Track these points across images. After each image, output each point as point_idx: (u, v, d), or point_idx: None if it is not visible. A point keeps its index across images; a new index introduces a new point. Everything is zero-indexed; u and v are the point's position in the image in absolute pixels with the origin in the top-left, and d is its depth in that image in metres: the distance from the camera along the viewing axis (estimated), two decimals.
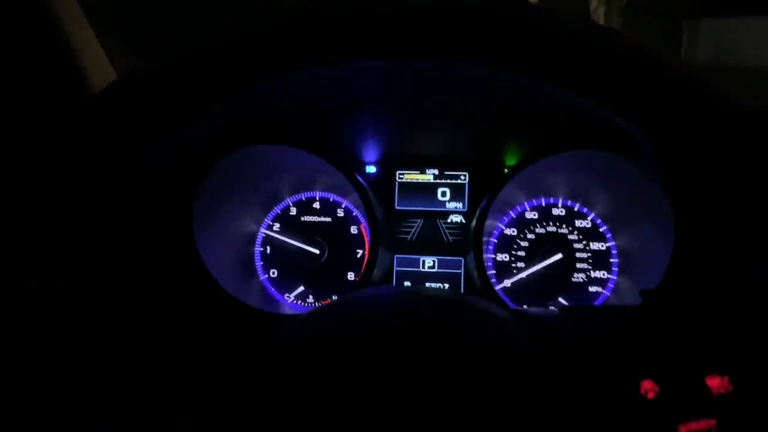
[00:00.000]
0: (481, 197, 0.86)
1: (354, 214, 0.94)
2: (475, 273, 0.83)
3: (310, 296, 0.94)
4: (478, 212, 0.84)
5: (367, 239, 0.93)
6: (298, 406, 0.32)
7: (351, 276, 0.93)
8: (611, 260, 0.89)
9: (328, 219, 0.95)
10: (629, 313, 0.40)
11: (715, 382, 0.33)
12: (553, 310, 0.40)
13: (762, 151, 0.35)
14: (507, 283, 0.90)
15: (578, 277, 0.89)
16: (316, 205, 0.95)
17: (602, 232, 0.90)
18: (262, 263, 0.95)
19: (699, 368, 0.34)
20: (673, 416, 0.33)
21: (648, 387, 0.33)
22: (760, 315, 0.36)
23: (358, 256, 0.93)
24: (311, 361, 0.34)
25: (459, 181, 0.92)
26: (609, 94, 0.36)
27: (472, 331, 0.35)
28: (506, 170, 0.82)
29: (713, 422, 0.32)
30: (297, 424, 0.31)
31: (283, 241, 0.94)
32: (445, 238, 0.92)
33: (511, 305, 0.88)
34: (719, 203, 0.38)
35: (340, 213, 0.95)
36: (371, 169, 0.93)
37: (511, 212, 0.92)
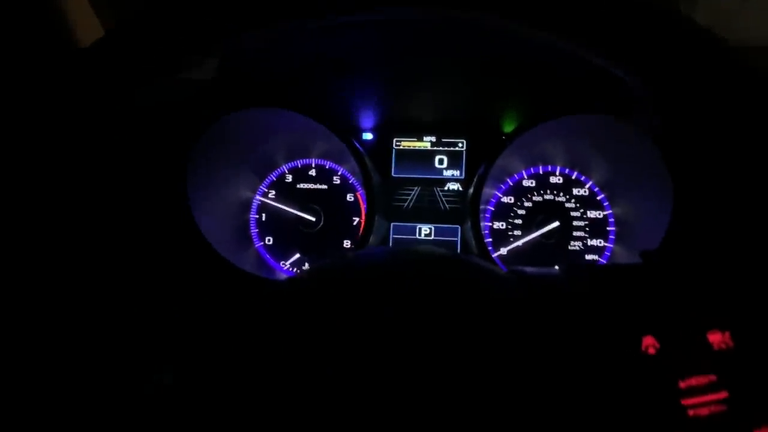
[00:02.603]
0: (479, 165, 0.85)
1: (350, 181, 0.94)
2: (472, 241, 0.82)
3: (306, 264, 0.93)
4: (475, 179, 0.83)
5: (363, 207, 0.92)
6: (293, 357, 0.31)
7: (347, 243, 0.93)
8: (608, 228, 0.89)
9: (324, 186, 0.94)
10: (630, 271, 0.39)
11: (716, 338, 0.33)
12: (553, 269, 0.40)
13: (758, 110, 0.35)
14: (503, 251, 0.90)
15: (575, 245, 0.89)
16: (312, 172, 0.94)
17: (599, 200, 0.89)
18: (257, 230, 0.94)
19: (700, 324, 0.33)
20: (674, 372, 0.32)
21: (649, 343, 0.33)
22: (761, 272, 0.36)
23: (354, 223, 0.93)
24: (304, 314, 0.33)
25: (456, 148, 0.91)
26: (607, 44, 0.36)
27: (469, 284, 0.35)
28: (504, 137, 0.81)
29: (714, 377, 0.32)
30: (292, 373, 0.30)
31: (279, 208, 0.93)
32: (441, 205, 0.91)
33: None
34: (717, 162, 0.38)
35: (336, 180, 0.94)
36: (368, 136, 0.92)
37: (508, 180, 0.91)
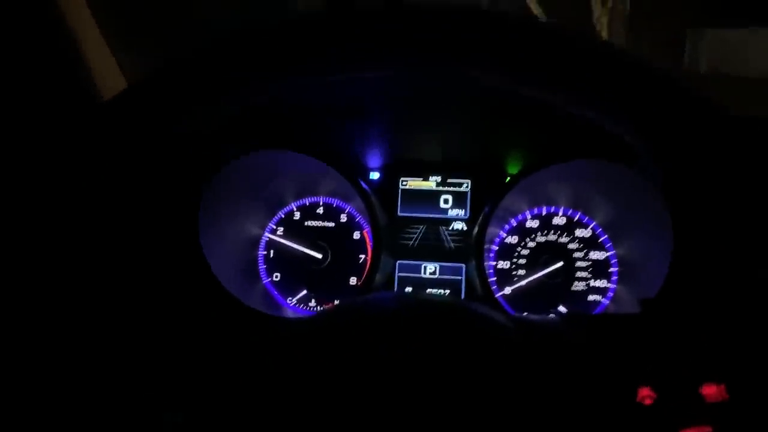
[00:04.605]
0: (483, 205, 0.87)
1: (357, 219, 0.95)
2: (476, 280, 0.83)
3: (313, 300, 0.95)
4: (479, 220, 0.85)
5: (369, 245, 0.93)
6: (298, 406, 0.32)
7: (353, 281, 0.94)
8: (611, 269, 0.90)
9: (332, 224, 0.96)
10: (628, 321, 0.40)
11: (711, 390, 0.34)
12: (553, 317, 0.41)
13: (756, 161, 0.36)
14: (507, 290, 0.91)
15: (578, 286, 0.90)
16: (320, 210, 0.96)
17: (602, 241, 0.91)
18: (265, 267, 0.96)
19: (696, 376, 0.34)
20: (670, 423, 0.33)
21: (645, 394, 0.34)
22: (757, 324, 0.37)
23: (361, 261, 0.94)
24: (310, 362, 0.35)
25: (461, 188, 0.93)
26: (605, 103, 0.37)
27: (470, 335, 0.36)
28: (508, 179, 0.83)
29: (709, 430, 0.33)
30: (295, 422, 0.31)
31: (287, 245, 0.94)
32: (446, 244, 0.93)
33: (512, 312, 0.89)
34: (716, 212, 0.39)
35: (344, 218, 0.96)
36: (375, 175, 0.94)
37: (512, 220, 0.93)
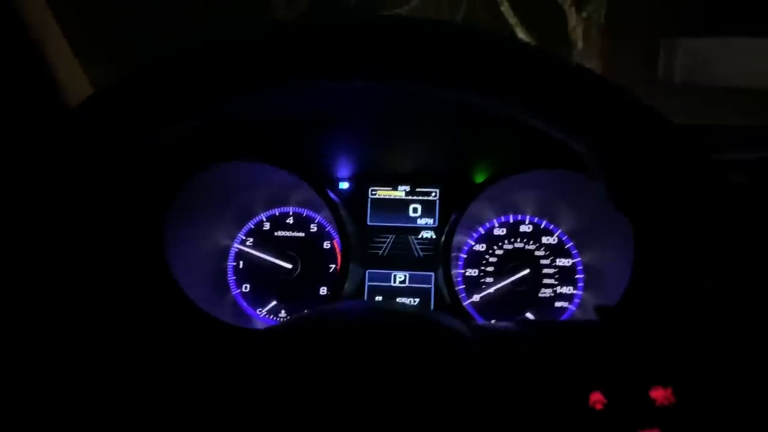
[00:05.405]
0: (451, 213, 0.88)
1: (327, 229, 0.96)
2: (444, 288, 0.84)
3: (283, 311, 0.94)
4: (447, 228, 0.85)
5: (339, 254, 0.94)
6: (263, 416, 0.32)
7: (323, 291, 0.94)
8: (577, 276, 0.92)
9: (302, 234, 0.96)
10: (583, 328, 0.42)
11: (658, 394, 0.35)
12: (509, 324, 0.42)
13: (698, 170, 0.37)
14: (476, 297, 0.92)
15: (545, 293, 0.91)
16: (290, 220, 0.96)
17: (568, 248, 0.92)
18: (234, 278, 0.96)
19: (644, 380, 0.35)
20: (619, 427, 0.34)
21: (596, 399, 0.35)
22: (702, 329, 0.38)
23: (331, 270, 0.94)
24: (274, 372, 0.35)
25: (430, 197, 0.94)
26: (551, 115, 0.39)
27: (428, 344, 0.37)
28: (475, 187, 0.84)
29: None
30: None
31: (256, 255, 0.94)
32: (416, 253, 0.93)
33: (480, 320, 0.90)
34: (664, 222, 0.40)
35: (314, 228, 0.96)
36: (344, 185, 0.94)
37: (480, 228, 0.94)
